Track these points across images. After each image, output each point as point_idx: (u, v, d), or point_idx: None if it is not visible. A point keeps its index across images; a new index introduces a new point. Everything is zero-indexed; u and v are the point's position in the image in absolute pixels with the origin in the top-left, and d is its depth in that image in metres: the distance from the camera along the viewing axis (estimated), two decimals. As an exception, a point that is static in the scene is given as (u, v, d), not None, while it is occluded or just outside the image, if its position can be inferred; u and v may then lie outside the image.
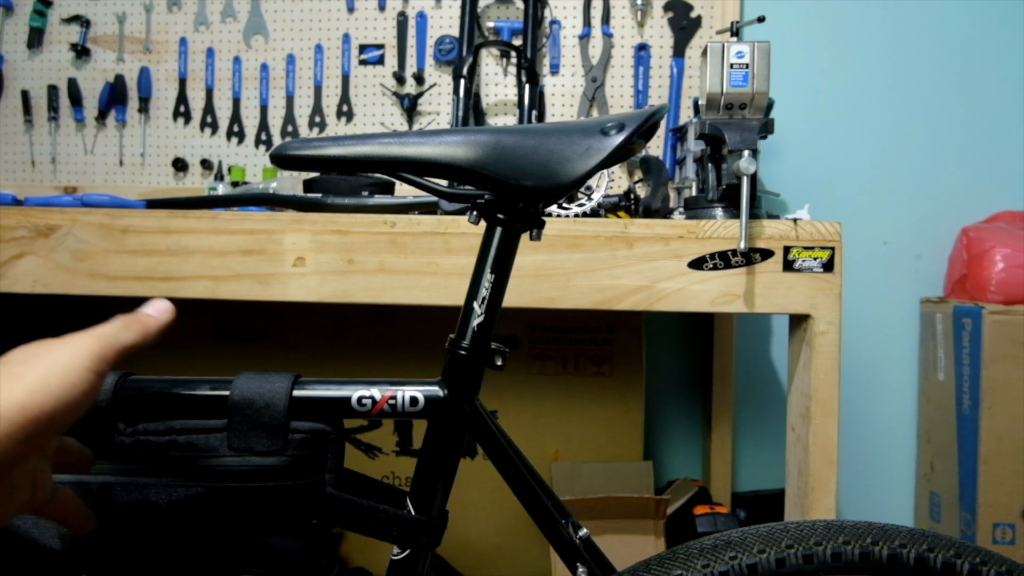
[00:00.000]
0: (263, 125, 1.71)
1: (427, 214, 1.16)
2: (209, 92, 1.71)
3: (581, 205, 1.18)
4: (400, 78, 1.68)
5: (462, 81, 1.49)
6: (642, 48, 1.65)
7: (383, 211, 1.18)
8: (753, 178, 1.09)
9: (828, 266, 1.06)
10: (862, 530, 0.67)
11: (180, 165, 1.71)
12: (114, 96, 1.71)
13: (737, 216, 1.08)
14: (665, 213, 1.33)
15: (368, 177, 1.31)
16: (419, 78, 1.67)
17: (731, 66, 1.12)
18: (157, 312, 0.56)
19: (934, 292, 1.69)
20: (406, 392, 0.67)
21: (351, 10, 1.69)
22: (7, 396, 0.45)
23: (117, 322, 0.53)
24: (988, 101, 1.67)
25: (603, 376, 1.54)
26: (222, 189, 1.63)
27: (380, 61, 1.69)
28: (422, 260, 1.07)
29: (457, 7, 1.64)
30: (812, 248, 1.06)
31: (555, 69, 1.66)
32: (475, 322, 0.68)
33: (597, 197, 1.19)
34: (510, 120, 1.67)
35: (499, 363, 0.69)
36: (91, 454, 0.61)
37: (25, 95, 1.73)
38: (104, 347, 0.51)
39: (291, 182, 1.46)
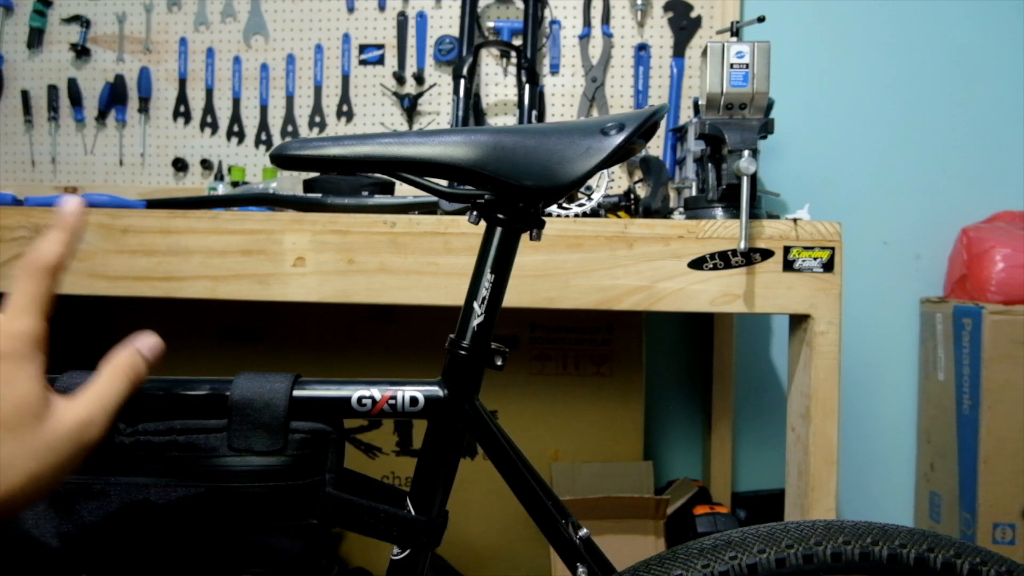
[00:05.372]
0: (263, 125, 1.71)
1: (427, 214, 1.16)
2: (209, 92, 1.71)
3: (581, 205, 1.18)
4: (400, 78, 1.68)
5: (462, 81, 1.49)
6: (642, 48, 1.64)
7: (383, 211, 1.18)
8: (753, 178, 1.09)
9: (828, 266, 1.06)
10: (862, 530, 0.67)
11: (180, 165, 1.71)
12: (114, 96, 1.71)
13: (737, 216, 1.08)
14: (665, 213, 1.33)
15: (368, 177, 1.31)
16: (419, 78, 1.67)
17: (731, 66, 1.12)
18: (148, 350, 0.56)
19: (934, 292, 1.69)
20: (406, 392, 0.67)
21: (351, 10, 1.69)
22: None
23: (107, 375, 0.53)
24: (988, 101, 1.67)
25: (603, 376, 1.54)
26: (222, 189, 1.63)
27: (380, 61, 1.69)
28: (422, 260, 1.07)
29: (457, 7, 1.64)
30: (812, 248, 1.06)
31: (555, 69, 1.66)
32: (475, 322, 0.68)
33: (597, 197, 1.19)
34: (510, 120, 1.67)
35: (499, 363, 0.69)
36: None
37: (25, 95, 1.73)
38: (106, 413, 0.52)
39: (291, 182, 1.46)
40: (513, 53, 1.63)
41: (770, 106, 1.16)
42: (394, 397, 0.67)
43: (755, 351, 1.73)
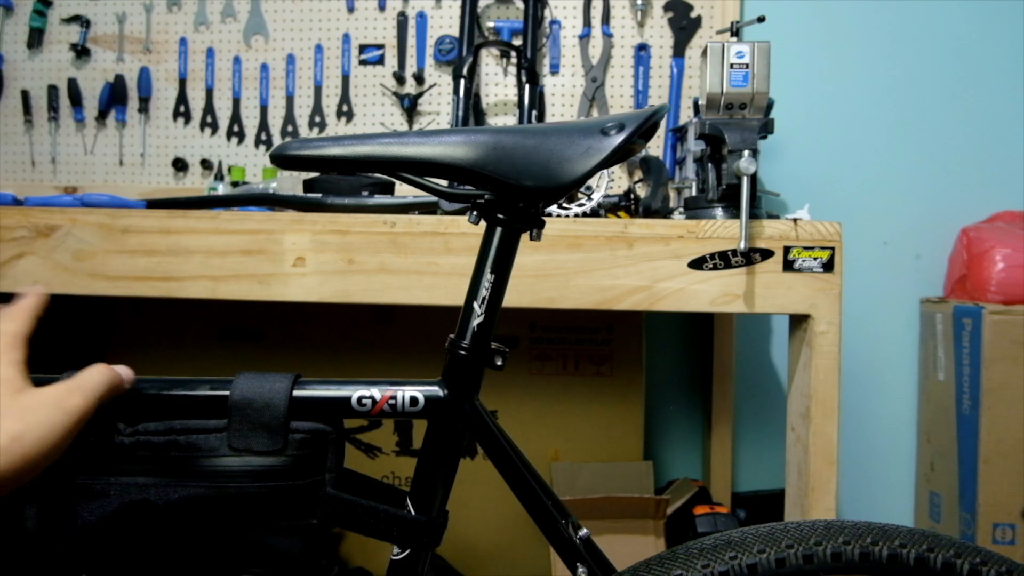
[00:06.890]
0: (263, 125, 1.71)
1: (427, 214, 1.16)
2: (209, 92, 1.71)
3: (581, 205, 1.18)
4: (400, 78, 1.68)
5: (462, 81, 1.49)
6: (642, 48, 1.64)
7: (383, 211, 1.18)
8: (753, 178, 1.09)
9: (828, 266, 1.06)
10: (862, 530, 0.67)
11: (180, 165, 1.71)
12: (114, 96, 1.71)
13: (737, 216, 1.08)
14: (665, 213, 1.33)
15: (368, 177, 1.31)
16: (419, 78, 1.67)
17: (731, 66, 1.12)
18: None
19: (934, 292, 1.69)
20: (406, 392, 0.67)
21: (351, 10, 1.69)
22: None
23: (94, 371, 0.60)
24: (988, 101, 1.67)
25: (603, 376, 1.54)
26: (222, 189, 1.63)
27: (380, 61, 1.69)
28: (422, 260, 1.07)
29: (457, 7, 1.64)
30: (812, 248, 1.06)
31: (555, 69, 1.66)
32: (475, 322, 0.68)
33: (597, 197, 1.19)
34: (510, 120, 1.67)
35: (499, 363, 0.69)
36: None
37: (25, 95, 1.73)
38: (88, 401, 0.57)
39: (291, 182, 1.46)
40: (513, 53, 1.63)
41: (770, 106, 1.16)
42: (394, 397, 0.67)
43: (755, 351, 1.73)
